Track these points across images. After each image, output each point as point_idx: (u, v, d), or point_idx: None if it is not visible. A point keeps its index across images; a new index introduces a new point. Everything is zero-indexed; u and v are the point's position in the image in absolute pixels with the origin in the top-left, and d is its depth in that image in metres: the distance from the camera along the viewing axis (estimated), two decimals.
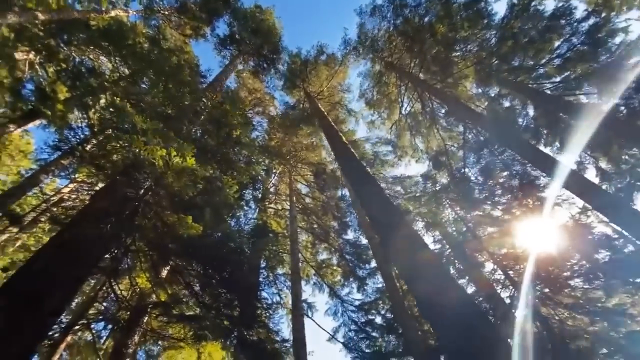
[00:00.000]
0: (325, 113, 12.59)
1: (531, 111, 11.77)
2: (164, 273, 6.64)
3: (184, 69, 10.65)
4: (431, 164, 12.49)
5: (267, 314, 4.50)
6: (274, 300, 4.34)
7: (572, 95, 10.22)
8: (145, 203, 5.17)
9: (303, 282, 11.42)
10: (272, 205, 13.39)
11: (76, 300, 12.84)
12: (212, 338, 4.95)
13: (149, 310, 6.26)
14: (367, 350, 10.51)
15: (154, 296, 5.66)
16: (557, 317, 9.69)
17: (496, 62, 11.11)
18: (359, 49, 14.00)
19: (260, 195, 6.83)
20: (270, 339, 4.56)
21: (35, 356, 10.55)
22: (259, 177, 6.60)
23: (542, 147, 10.78)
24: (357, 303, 11.36)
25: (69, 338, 10.21)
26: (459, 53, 12.13)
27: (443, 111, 12.14)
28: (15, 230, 11.29)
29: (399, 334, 10.56)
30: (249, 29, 17.14)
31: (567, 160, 10.39)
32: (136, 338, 7.35)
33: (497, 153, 10.19)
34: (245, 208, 6.75)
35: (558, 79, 10.72)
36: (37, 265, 3.34)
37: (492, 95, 12.24)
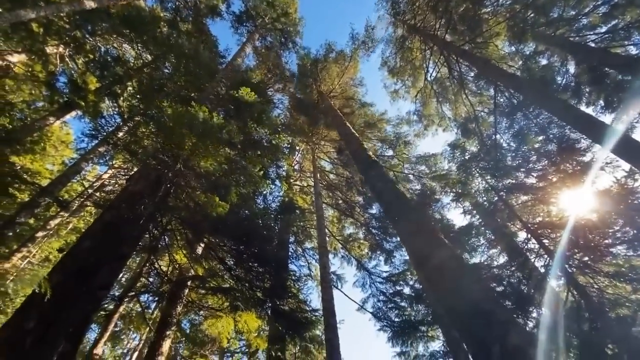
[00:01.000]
0: (338, 110, 12.32)
1: (572, 68, 10.73)
2: (199, 250, 7.06)
3: (203, 51, 10.67)
4: (460, 132, 11.93)
5: (297, 286, 4.71)
6: (303, 272, 4.52)
7: (619, 47, 9.16)
8: (176, 185, 5.43)
9: (331, 256, 11.69)
10: (297, 183, 13.56)
11: (125, 276, 14.09)
12: (245, 308, 5.28)
13: (188, 283, 6.74)
14: (396, 320, 10.77)
15: (192, 271, 6.07)
16: (596, 286, 9.32)
17: (532, 15, 10.07)
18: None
19: (284, 173, 6.93)
20: (300, 308, 4.79)
21: (95, 325, 11.87)
22: (282, 156, 6.66)
23: (583, 108, 9.91)
24: (384, 275, 11.51)
25: (121, 309, 11.34)
26: (489, 9, 11.12)
27: (472, 74, 11.37)
28: (65, 215, 12.35)
29: (427, 304, 10.68)
30: (264, 2, 16.68)
31: (612, 121, 9.51)
32: (179, 309, 8.01)
33: (532, 116, 9.51)
34: (271, 186, 6.89)
35: (603, 29, 9.61)
36: (85, 245, 3.67)
37: (527, 53, 11.25)
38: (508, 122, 9.94)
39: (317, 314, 4.89)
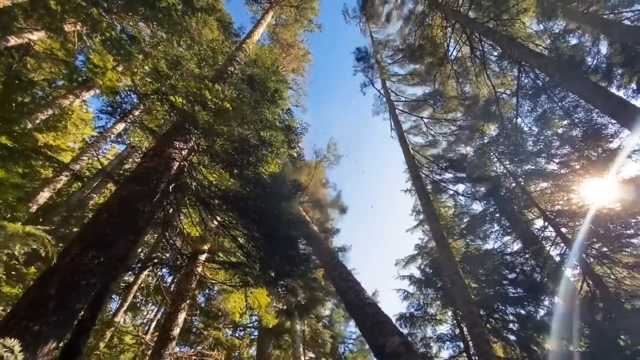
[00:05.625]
0: None
1: (604, 48, 10.02)
2: (213, 228, 7.24)
3: (217, 28, 10.52)
4: (479, 114, 11.50)
5: (305, 265, 4.77)
6: (310, 252, 4.57)
7: None
8: (189, 162, 5.50)
9: None
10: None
11: (142, 251, 14.70)
12: (256, 284, 5.42)
13: (201, 258, 6.95)
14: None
15: (205, 247, 6.24)
16: (613, 276, 9.08)
17: None
18: None
19: (296, 154, 6.90)
20: (309, 286, 4.88)
21: (115, 296, 12.54)
22: (295, 135, 6.61)
23: (613, 91, 9.31)
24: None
25: (139, 282, 11.89)
26: None
27: (495, 54, 10.79)
28: (86, 191, 12.82)
29: (437, 288, 10.72)
30: None
31: None
32: (194, 283, 8.32)
33: (557, 99, 9.03)
34: (282, 167, 6.89)
35: None
36: (102, 217, 3.79)
37: (557, 31, 10.54)
38: (531, 105, 9.47)
39: (323, 292, 4.97)
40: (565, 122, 9.37)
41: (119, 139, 15.25)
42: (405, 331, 10.64)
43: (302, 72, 19.13)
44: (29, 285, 3.34)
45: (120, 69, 10.31)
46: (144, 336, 10.75)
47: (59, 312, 2.98)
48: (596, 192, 9.60)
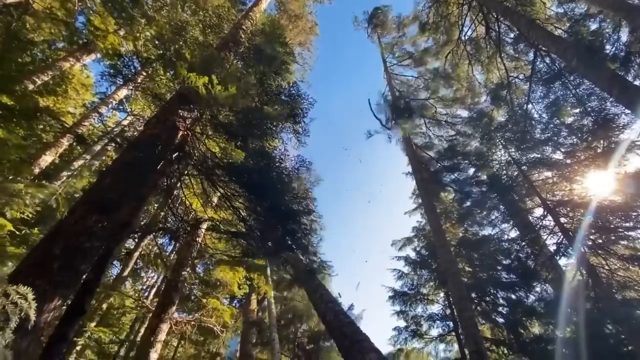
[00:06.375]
0: None
1: (624, 35, 9.65)
2: (215, 199, 7.26)
3: None
4: (489, 99, 11.25)
5: (307, 239, 4.82)
6: (313, 226, 4.60)
7: None
8: (192, 132, 5.42)
9: None
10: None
11: (144, 220, 14.87)
12: (257, 256, 5.50)
13: (203, 228, 7.02)
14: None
15: (207, 217, 6.29)
16: (607, 267, 9.22)
17: None
18: None
19: (301, 129, 6.79)
20: (309, 259, 4.96)
21: (117, 262, 12.82)
22: (300, 110, 6.48)
23: (630, 79, 9.04)
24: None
25: (140, 249, 12.12)
26: None
27: (511, 36, 10.38)
28: (88, 157, 12.79)
29: (432, 269, 10.93)
30: None
31: None
32: (194, 253, 8.47)
33: (572, 86, 8.79)
34: (286, 141, 6.81)
35: None
36: (106, 182, 3.78)
37: (577, 15, 10.11)
38: (544, 91, 9.22)
39: (324, 264, 5.06)
40: (577, 110, 9.17)
41: (121, 107, 15.06)
42: (397, 308, 10.96)
43: (309, 46, 18.56)
44: (33, 246, 3.37)
45: (122, 32, 9.96)
46: (144, 300, 11.13)
47: (63, 272, 3.02)
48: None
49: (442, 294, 11.01)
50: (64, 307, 3.52)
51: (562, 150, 10.01)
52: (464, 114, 12.86)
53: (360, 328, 4.57)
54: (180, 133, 5.02)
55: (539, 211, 10.97)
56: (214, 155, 5.15)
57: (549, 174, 10.60)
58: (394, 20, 16.56)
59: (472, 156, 11.34)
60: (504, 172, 11.10)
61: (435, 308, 11.07)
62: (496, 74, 10.87)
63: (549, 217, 10.05)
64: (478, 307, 10.27)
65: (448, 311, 10.47)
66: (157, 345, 6.58)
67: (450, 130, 12.80)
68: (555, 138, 10.02)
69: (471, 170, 11.97)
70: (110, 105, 11.17)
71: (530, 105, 9.55)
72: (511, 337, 9.53)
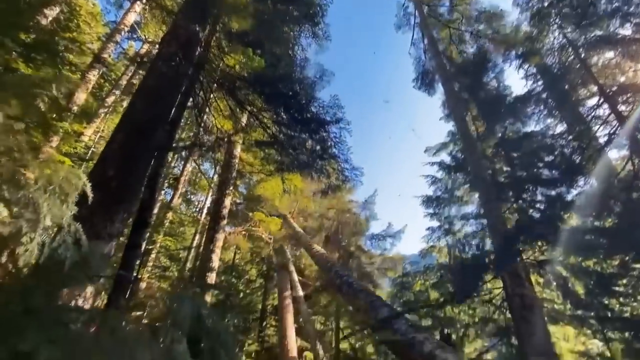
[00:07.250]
0: None
1: None
2: (244, 120, 7.33)
3: None
4: None
5: (337, 148, 4.86)
6: (342, 135, 4.57)
7: None
8: (208, 48, 5.16)
9: None
10: None
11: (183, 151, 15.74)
12: (290, 170, 5.73)
13: (238, 150, 7.29)
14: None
15: (239, 133, 6.48)
16: None
17: None
18: None
19: (321, 32, 6.19)
20: (341, 167, 5.09)
21: (168, 188, 14.13)
22: (318, 8, 5.81)
23: None
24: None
25: (186, 174, 13.14)
26: None
27: None
28: (117, 92, 13.06)
29: (467, 172, 10.80)
30: None
31: None
32: (234, 172, 9.02)
33: None
34: (305, 47, 6.33)
35: None
36: (137, 107, 3.89)
37: None
38: None
39: (357, 172, 5.19)
40: None
41: (134, 35, 14.57)
42: (430, 211, 11.37)
43: None
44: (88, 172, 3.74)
45: None
46: (199, 217, 12.57)
47: (121, 189, 3.39)
48: None
49: (476, 195, 11.08)
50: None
51: (632, 22, 8.36)
52: None
53: (370, 289, 5.64)
54: (197, 48, 4.82)
55: (592, 101, 9.88)
56: (234, 69, 4.97)
57: (611, 54, 9.14)
58: None
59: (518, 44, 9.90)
60: (556, 58, 9.72)
61: (469, 208, 11.35)
62: None
63: (604, 106, 9.06)
64: (514, 205, 10.28)
65: (482, 210, 10.66)
66: (216, 250, 7.63)
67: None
68: (626, 7, 8.30)
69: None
70: (123, 34, 10.79)
71: None
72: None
